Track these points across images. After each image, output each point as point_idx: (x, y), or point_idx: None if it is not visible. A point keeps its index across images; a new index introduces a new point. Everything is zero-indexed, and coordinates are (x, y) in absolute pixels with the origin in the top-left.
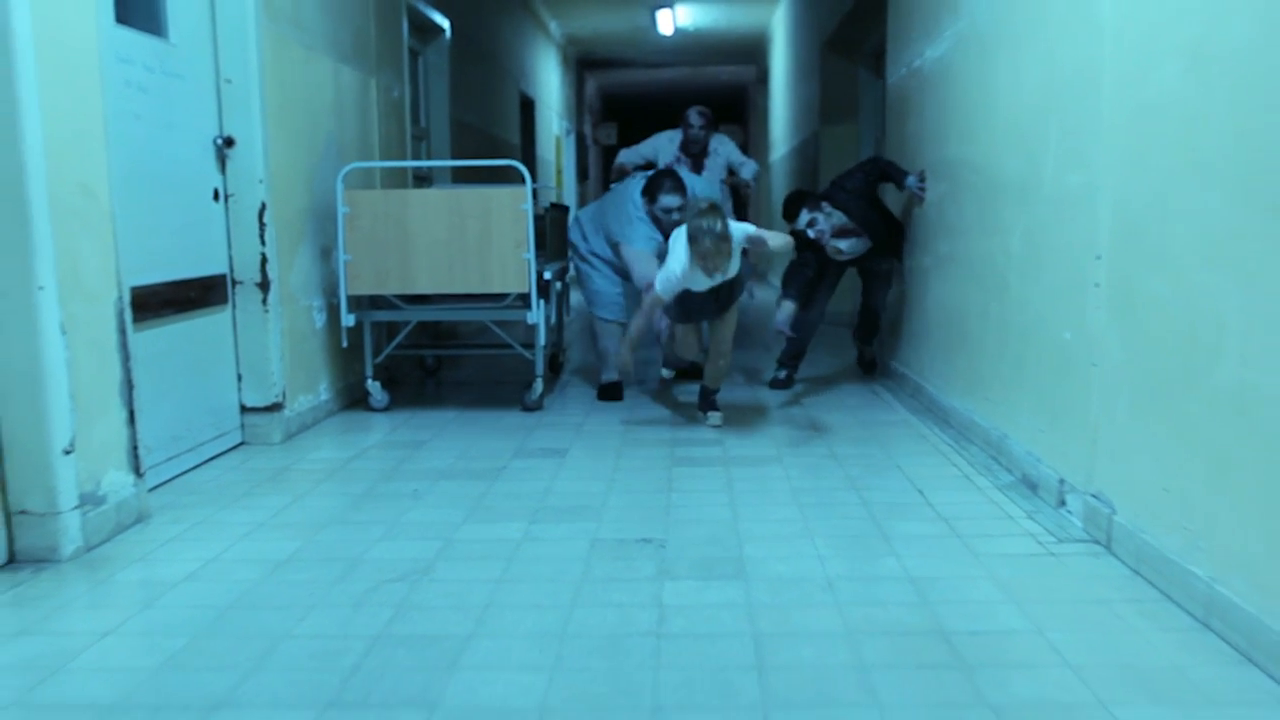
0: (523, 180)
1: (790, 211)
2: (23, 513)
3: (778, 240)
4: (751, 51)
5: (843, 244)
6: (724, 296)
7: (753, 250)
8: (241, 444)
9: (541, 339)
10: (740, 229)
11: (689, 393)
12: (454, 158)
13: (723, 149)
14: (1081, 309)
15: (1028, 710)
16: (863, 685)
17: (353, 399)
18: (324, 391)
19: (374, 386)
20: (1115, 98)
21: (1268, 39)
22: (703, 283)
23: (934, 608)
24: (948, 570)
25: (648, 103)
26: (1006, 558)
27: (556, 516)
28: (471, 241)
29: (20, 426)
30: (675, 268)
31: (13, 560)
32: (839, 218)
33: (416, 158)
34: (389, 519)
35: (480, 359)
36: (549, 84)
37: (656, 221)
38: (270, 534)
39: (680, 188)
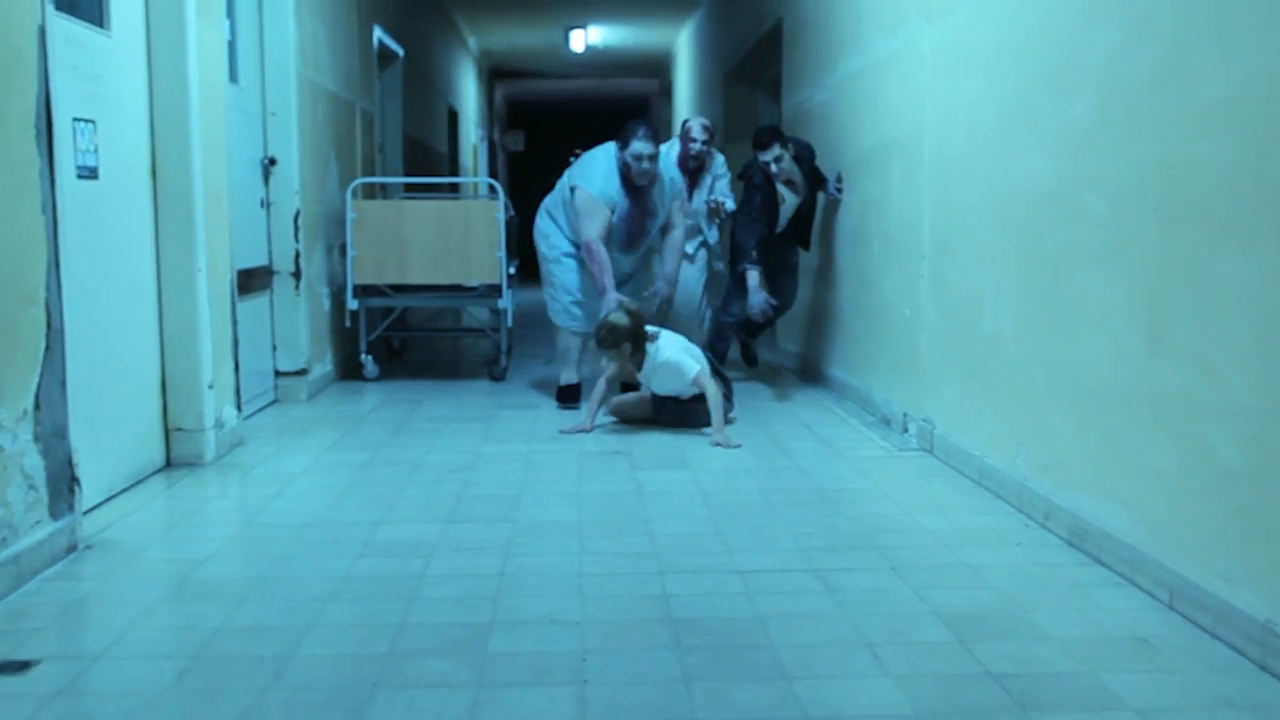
0: (496, 194)
1: (764, 141)
2: (178, 430)
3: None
4: (656, 67)
5: (786, 192)
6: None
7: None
8: (275, 401)
9: (509, 321)
10: (664, 358)
11: None
12: (405, 168)
13: (722, 177)
14: (915, 293)
15: (869, 518)
16: (771, 511)
17: (346, 371)
18: (329, 363)
19: (368, 360)
20: (930, 150)
21: (1007, 123)
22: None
23: (814, 480)
24: (824, 465)
25: (554, 110)
26: (864, 458)
27: (548, 440)
28: (455, 242)
29: (179, 368)
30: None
31: (169, 465)
32: (792, 167)
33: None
34: (425, 443)
35: (434, 345)
36: (468, 95)
37: (626, 173)
38: (342, 452)
39: (655, 137)
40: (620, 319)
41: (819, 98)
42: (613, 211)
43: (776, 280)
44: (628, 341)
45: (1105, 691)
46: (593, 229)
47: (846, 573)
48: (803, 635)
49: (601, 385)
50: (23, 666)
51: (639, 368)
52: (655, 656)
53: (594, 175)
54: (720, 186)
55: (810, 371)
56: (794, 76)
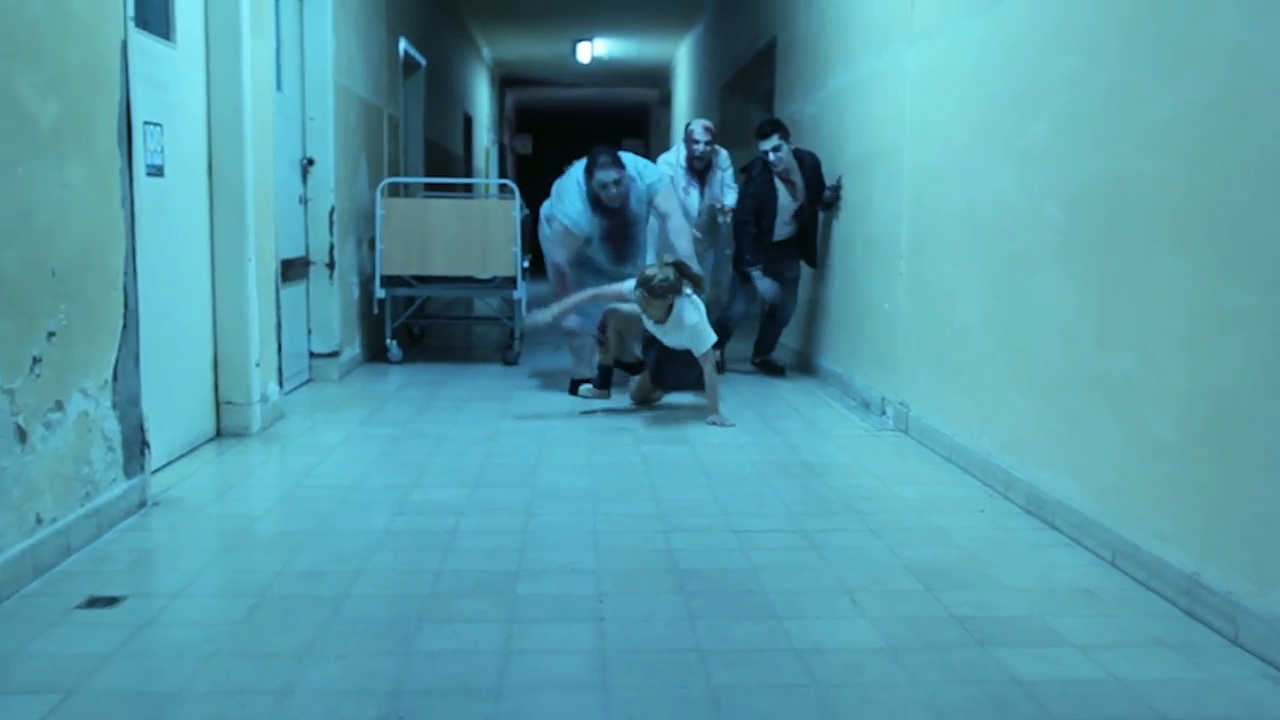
0: (512, 194)
1: (765, 130)
2: (228, 403)
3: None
4: (656, 77)
5: (783, 190)
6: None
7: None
8: (309, 380)
9: (523, 311)
10: (691, 322)
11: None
12: (425, 169)
13: (726, 170)
14: (894, 289)
15: (849, 488)
16: (762, 481)
17: (372, 354)
18: (357, 346)
19: (392, 345)
20: (909, 161)
21: (978, 139)
22: (657, 329)
23: (801, 455)
24: (810, 442)
25: (560, 116)
26: (845, 437)
27: (560, 417)
28: (474, 237)
29: (229, 348)
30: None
31: (219, 434)
32: (791, 163)
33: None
34: (449, 419)
35: (450, 331)
36: (481, 102)
37: (596, 200)
38: (373, 425)
39: (617, 163)
40: (670, 274)
41: (809, 111)
42: (589, 240)
43: (778, 296)
44: (674, 295)
45: (1052, 632)
46: (560, 255)
47: (829, 533)
48: (790, 584)
49: (579, 299)
50: (111, 601)
51: (665, 318)
52: (662, 599)
53: (568, 207)
54: (725, 178)
55: (803, 363)
56: (786, 90)
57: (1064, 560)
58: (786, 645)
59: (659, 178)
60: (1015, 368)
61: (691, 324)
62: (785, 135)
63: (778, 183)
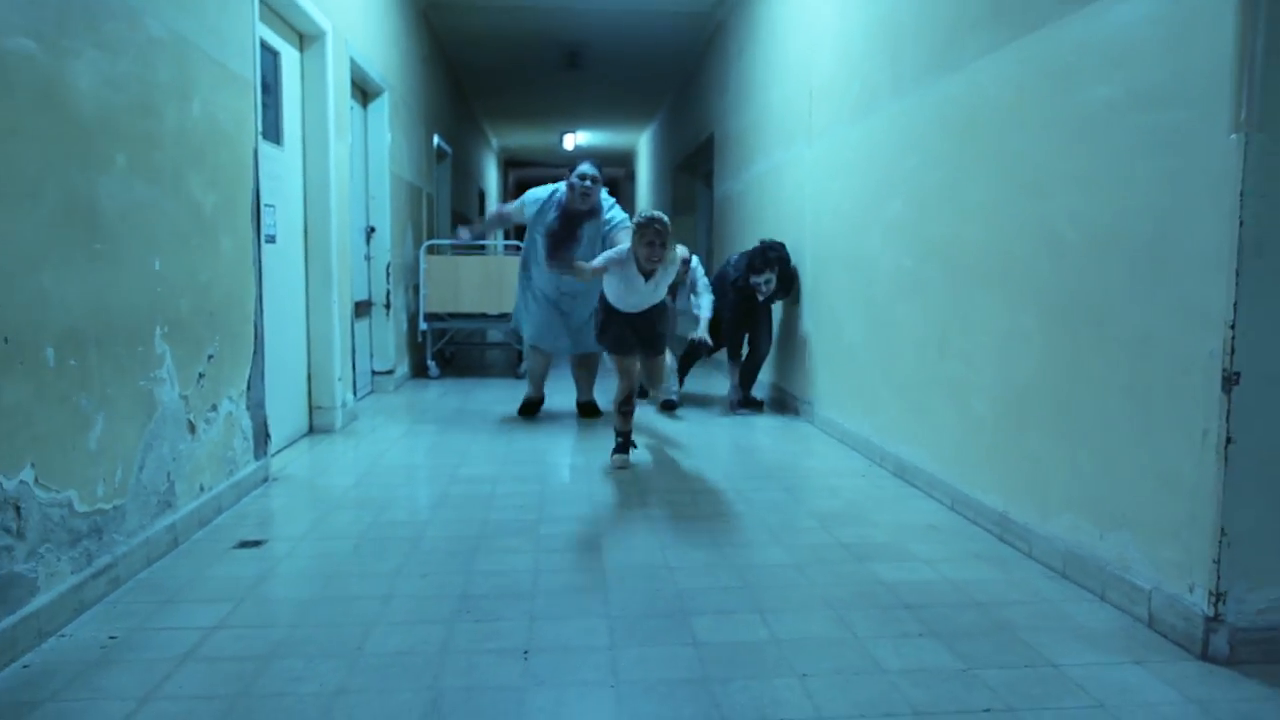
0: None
1: (758, 266)
2: (318, 407)
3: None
4: (623, 159)
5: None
6: (647, 329)
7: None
8: (372, 391)
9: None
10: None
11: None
12: (448, 234)
13: (702, 280)
14: (803, 319)
15: (770, 461)
16: (707, 457)
17: (416, 371)
18: (405, 366)
19: (432, 364)
20: (809, 227)
21: (856, 211)
22: (636, 290)
23: (736, 441)
24: (742, 432)
25: None
26: (768, 427)
27: (560, 418)
28: (491, 284)
29: (319, 366)
30: (614, 254)
31: (311, 431)
32: (772, 286)
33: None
34: (482, 414)
35: (470, 355)
36: (491, 179)
37: (569, 195)
38: (424, 423)
39: (598, 166)
40: (665, 218)
41: (738, 188)
42: (535, 230)
43: (755, 331)
44: (668, 243)
45: (908, 551)
46: (506, 205)
47: (756, 491)
48: (728, 524)
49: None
50: (257, 544)
51: (660, 264)
52: (641, 536)
53: (537, 190)
54: (699, 286)
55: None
56: (722, 172)
57: (919, 506)
58: (728, 563)
59: (622, 220)
60: (884, 373)
61: (701, 286)
62: (771, 268)
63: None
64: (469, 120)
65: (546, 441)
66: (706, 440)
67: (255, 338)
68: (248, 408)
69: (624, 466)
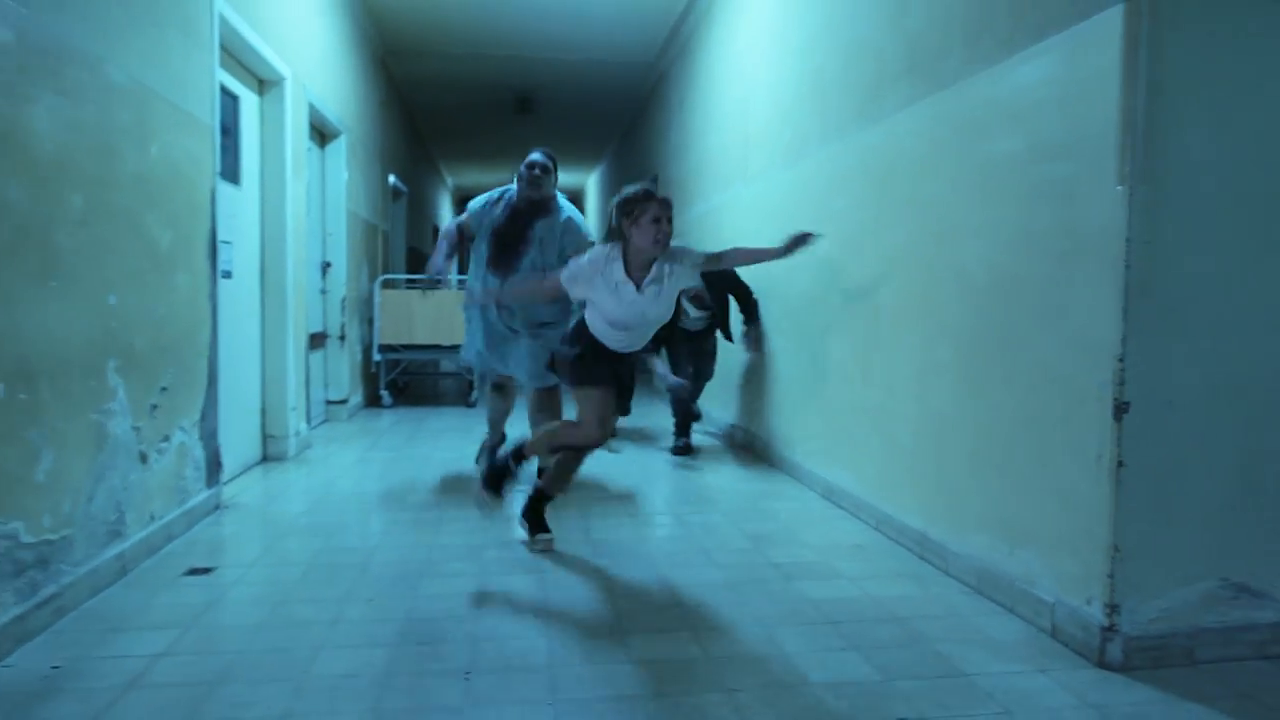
0: None
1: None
2: (272, 436)
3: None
4: (574, 197)
5: (691, 310)
6: (628, 374)
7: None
8: (326, 420)
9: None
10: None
11: None
12: (407, 268)
13: (571, 231)
14: (739, 352)
15: (707, 486)
16: (648, 483)
17: (370, 400)
18: (359, 395)
19: (385, 394)
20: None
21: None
22: (631, 308)
23: (676, 468)
24: (690, 464)
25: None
26: (703, 449)
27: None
28: (445, 317)
29: (274, 394)
30: (586, 261)
31: (265, 459)
32: (703, 292)
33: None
34: (430, 444)
35: (423, 384)
36: (445, 215)
37: (519, 188)
38: (376, 451)
39: (551, 158)
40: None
41: (680, 228)
42: (478, 233)
43: (698, 361)
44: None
45: (835, 570)
46: (452, 222)
47: (693, 514)
48: (666, 547)
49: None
50: (206, 571)
51: (664, 246)
52: (581, 558)
53: (483, 196)
54: (572, 239)
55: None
56: None
57: (846, 527)
58: (663, 583)
59: (581, 224)
60: (814, 401)
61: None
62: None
63: (686, 304)
64: (425, 160)
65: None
66: (641, 463)
67: (209, 369)
68: (201, 437)
69: (549, 548)
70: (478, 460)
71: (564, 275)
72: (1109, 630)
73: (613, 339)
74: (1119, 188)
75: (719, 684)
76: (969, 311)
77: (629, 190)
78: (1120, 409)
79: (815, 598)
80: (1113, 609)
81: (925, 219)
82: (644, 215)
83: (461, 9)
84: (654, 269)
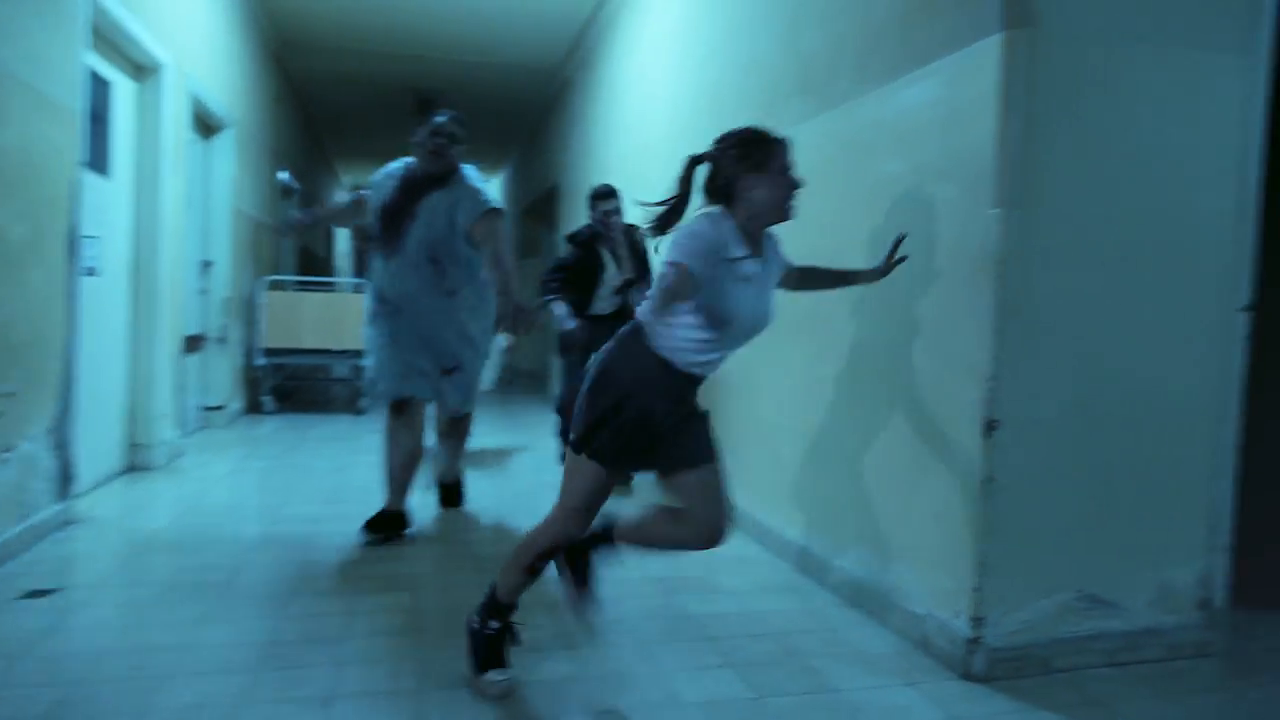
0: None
1: (604, 192)
2: (138, 444)
3: None
4: None
5: (609, 259)
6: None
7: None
8: (204, 427)
9: (367, 375)
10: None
11: None
12: (297, 269)
13: (465, 197)
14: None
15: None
16: (532, 493)
17: (252, 406)
18: (238, 402)
19: (267, 400)
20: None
21: None
22: (756, 288)
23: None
24: None
25: None
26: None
27: None
28: (333, 320)
29: (141, 400)
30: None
31: (132, 469)
32: (620, 236)
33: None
34: (312, 453)
35: (311, 390)
36: None
37: (419, 157)
38: (253, 460)
39: (460, 121)
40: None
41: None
42: (377, 210)
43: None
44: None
45: (716, 584)
46: (349, 196)
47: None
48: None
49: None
50: (47, 593)
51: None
52: (461, 575)
53: (384, 168)
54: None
55: None
56: (565, 220)
57: (730, 541)
58: (542, 601)
59: (482, 189)
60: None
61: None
62: (618, 204)
63: (604, 253)
64: (320, 157)
65: (379, 476)
66: (529, 483)
67: (65, 373)
68: (52, 447)
69: (509, 695)
70: (370, 528)
71: (688, 258)
72: (973, 642)
73: (712, 356)
74: (994, 210)
75: (591, 704)
76: (854, 329)
77: (743, 130)
78: (990, 426)
79: (695, 613)
80: (978, 621)
81: (816, 235)
82: (774, 162)
83: (359, 6)
84: (765, 247)
